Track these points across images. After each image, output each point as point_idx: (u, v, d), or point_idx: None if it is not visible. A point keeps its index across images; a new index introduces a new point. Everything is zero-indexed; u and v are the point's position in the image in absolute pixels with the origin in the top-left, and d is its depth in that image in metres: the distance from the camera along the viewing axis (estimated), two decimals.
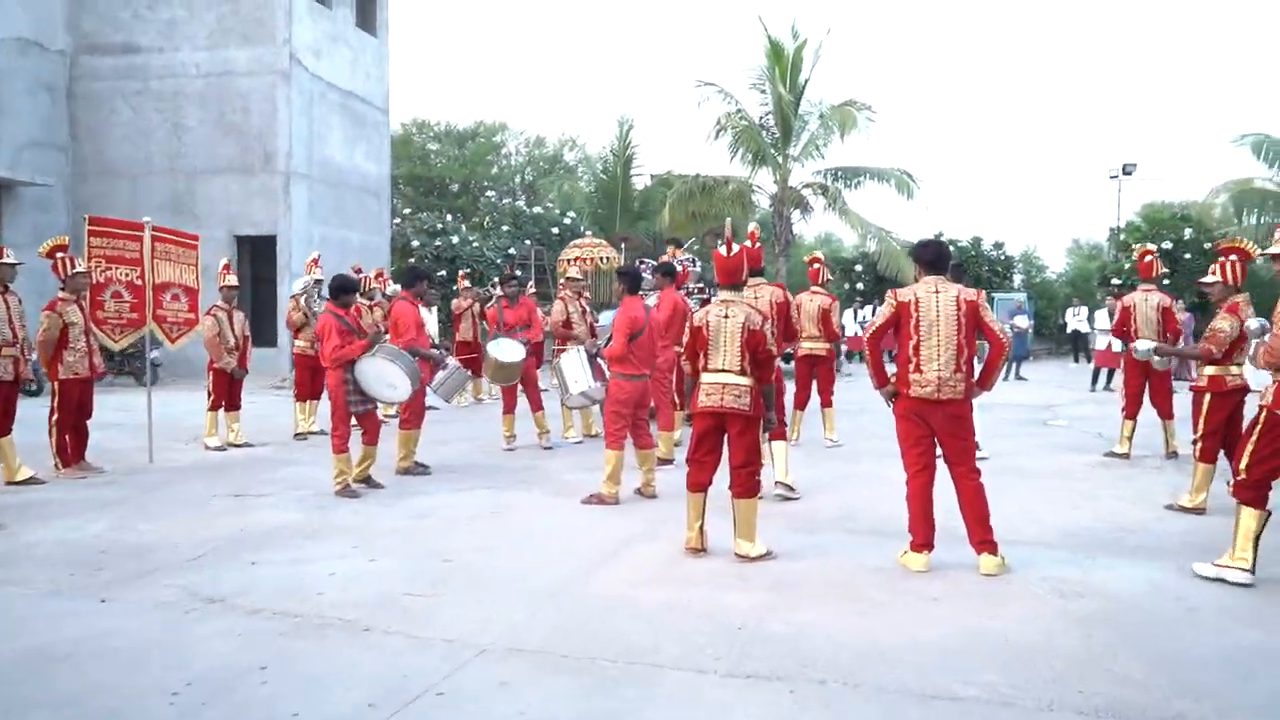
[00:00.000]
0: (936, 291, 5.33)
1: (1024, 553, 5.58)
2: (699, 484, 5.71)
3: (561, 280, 10.91)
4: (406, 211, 25.12)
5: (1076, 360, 23.87)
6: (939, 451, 5.44)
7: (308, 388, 10.80)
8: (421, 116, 34.25)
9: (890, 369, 5.57)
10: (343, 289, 7.66)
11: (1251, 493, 4.94)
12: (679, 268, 12.43)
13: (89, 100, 19.00)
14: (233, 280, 10.10)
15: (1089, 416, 12.69)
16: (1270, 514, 4.98)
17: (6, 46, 17.75)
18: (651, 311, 7.33)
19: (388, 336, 8.22)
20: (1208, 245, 25.16)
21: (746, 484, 5.56)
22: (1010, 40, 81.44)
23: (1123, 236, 26.31)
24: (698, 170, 27.04)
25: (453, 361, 8.95)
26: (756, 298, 7.05)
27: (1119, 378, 17.37)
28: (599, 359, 7.68)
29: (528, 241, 23.50)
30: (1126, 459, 9.04)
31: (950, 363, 5.25)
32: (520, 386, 10.00)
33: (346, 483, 7.47)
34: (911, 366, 5.30)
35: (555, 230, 24.43)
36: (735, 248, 5.84)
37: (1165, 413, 9.11)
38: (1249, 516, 4.94)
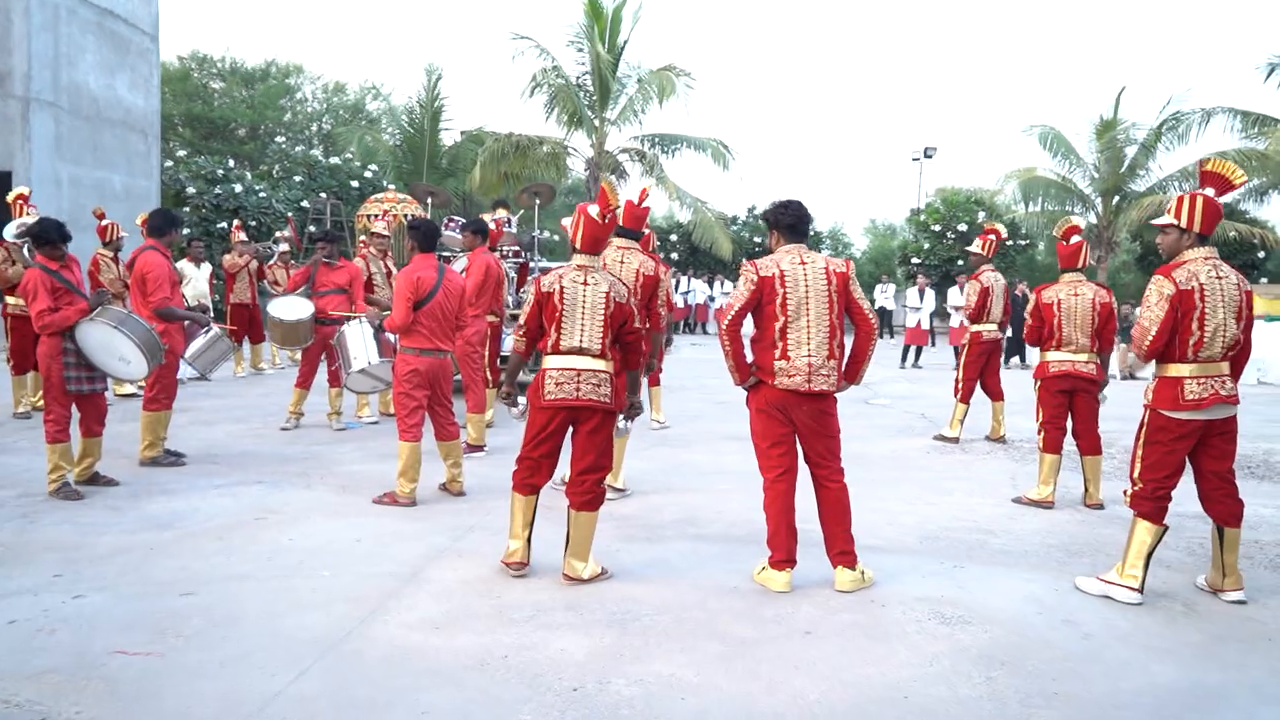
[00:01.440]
0: (802, 263, 4.47)
1: (888, 562, 4.87)
2: (533, 486, 4.63)
3: (363, 237, 9.42)
4: (182, 154, 22.20)
5: (882, 336, 24.42)
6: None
7: (30, 356, 8.78)
8: (202, 50, 30.69)
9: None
10: (44, 238, 5.93)
11: (1149, 504, 4.40)
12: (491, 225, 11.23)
13: None
14: None
15: (908, 395, 12.53)
16: (1167, 529, 4.47)
17: None
18: (450, 274, 6.11)
19: (114, 300, 6.56)
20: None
21: (592, 493, 4.53)
22: (825, 22, 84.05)
23: (922, 217, 27.14)
24: (511, 129, 25.64)
25: (215, 328, 7.35)
26: (622, 263, 5.95)
27: (929, 356, 17.70)
28: (384, 331, 6.38)
29: (323, 195, 21.33)
30: (957, 443, 8.72)
31: (822, 347, 4.40)
32: (324, 358, 8.53)
33: (65, 480, 5.85)
34: (777, 353, 4.42)
35: (355, 184, 22.35)
36: (609, 211, 4.69)
37: (996, 394, 8.86)
38: (1144, 530, 4.40)
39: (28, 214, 8.84)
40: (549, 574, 4.62)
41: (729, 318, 4.50)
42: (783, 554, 4.47)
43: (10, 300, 8.72)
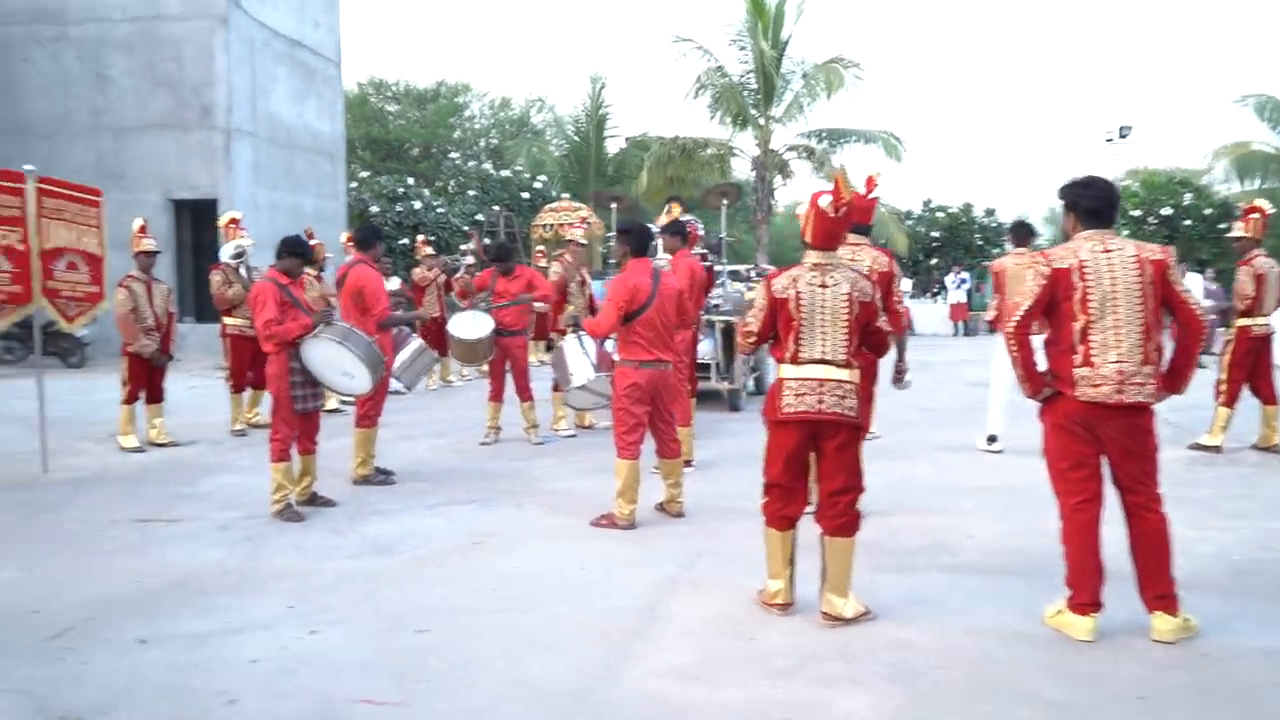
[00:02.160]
0: (1106, 251, 3.77)
1: (1203, 605, 4.07)
2: (788, 519, 4.14)
3: (540, 248, 9.23)
4: (364, 175, 23.11)
5: None
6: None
7: (245, 375, 9.04)
8: (378, 75, 32.08)
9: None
10: (293, 251, 5.95)
11: None
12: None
13: None
14: (150, 245, 8.29)
15: None
16: None
17: None
18: (666, 279, 5.69)
19: (337, 312, 6.51)
20: (1208, 211, 24.05)
21: (846, 516, 4.01)
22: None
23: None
24: (676, 133, 25.37)
25: (417, 340, 7.24)
26: (854, 260, 5.40)
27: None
28: (604, 343, 6.02)
29: (495, 207, 21.68)
30: (1219, 453, 7.63)
31: (1135, 350, 3.70)
32: (508, 370, 8.36)
33: (288, 502, 5.80)
34: (1077, 358, 3.74)
35: (525, 195, 22.60)
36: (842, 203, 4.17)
37: (1269, 397, 7.72)
38: None
39: (240, 237, 9.10)
40: (803, 611, 4.11)
41: (1017, 318, 3.86)
42: (1087, 596, 3.79)
43: (229, 320, 8.97)
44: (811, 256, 4.12)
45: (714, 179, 26.92)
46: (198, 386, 12.72)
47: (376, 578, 4.67)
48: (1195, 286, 14.97)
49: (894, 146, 25.75)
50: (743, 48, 25.56)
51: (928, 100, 71.94)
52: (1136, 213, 24.45)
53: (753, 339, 4.25)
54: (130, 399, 8.10)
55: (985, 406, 8.04)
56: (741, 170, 26.82)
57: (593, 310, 9.48)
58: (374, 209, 20.74)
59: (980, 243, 27.17)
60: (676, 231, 7.21)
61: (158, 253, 8.41)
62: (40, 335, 7.95)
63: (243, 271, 8.85)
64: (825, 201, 4.11)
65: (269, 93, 17.78)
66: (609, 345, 6.15)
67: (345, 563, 4.90)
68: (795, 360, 4.06)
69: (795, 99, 25.61)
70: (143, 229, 8.41)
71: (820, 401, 3.99)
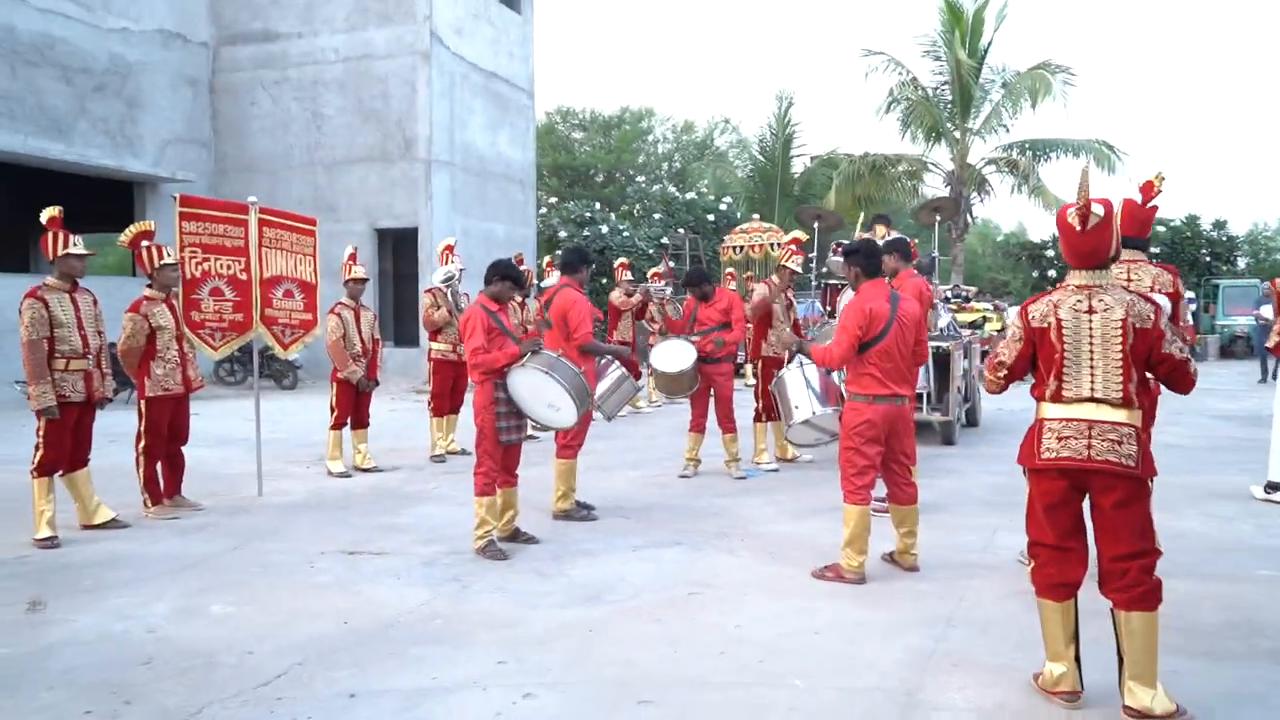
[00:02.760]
0: None
1: None
2: (1065, 586, 3.44)
3: (730, 269, 8.69)
4: (552, 201, 23.46)
5: None
6: None
7: (447, 400, 9.03)
8: (565, 104, 32.80)
9: None
10: (506, 275, 5.74)
11: None
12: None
13: (230, 93, 18.08)
14: (360, 272, 8.40)
15: None
16: None
17: (149, 39, 16.95)
18: (905, 303, 5.04)
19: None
20: None
21: (1141, 585, 3.28)
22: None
23: None
24: (866, 149, 24.42)
25: (618, 368, 6.88)
26: (1130, 282, 4.64)
27: None
28: (831, 374, 5.40)
29: (680, 230, 21.45)
30: None
31: None
32: (712, 401, 7.91)
33: (491, 539, 5.53)
34: None
35: (710, 217, 22.26)
36: (1094, 214, 3.46)
37: None
38: None
39: (453, 262, 9.14)
40: (1097, 702, 3.36)
41: None
42: None
43: (434, 345, 9.01)
44: (1075, 278, 3.47)
45: (904, 197, 25.78)
46: (397, 409, 13.03)
47: (590, 631, 4.26)
48: None
49: (1106, 156, 23.78)
50: (937, 58, 24.40)
51: (1144, 105, 66.18)
52: None
53: (1004, 374, 3.64)
54: (338, 424, 8.19)
55: (1251, 447, 6.90)
56: (934, 187, 25.48)
57: (797, 329, 8.92)
58: (562, 234, 20.95)
59: (1208, 258, 24.56)
60: (899, 249, 6.54)
61: (367, 280, 8.50)
62: (258, 360, 8.19)
63: (450, 296, 8.86)
64: (1071, 215, 3.39)
65: (466, 124, 18.27)
66: (836, 376, 5.55)
67: (554, 612, 4.53)
68: (1058, 399, 3.37)
69: (995, 109, 24.15)
70: (353, 256, 8.56)
71: (1089, 447, 3.29)
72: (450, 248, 9.30)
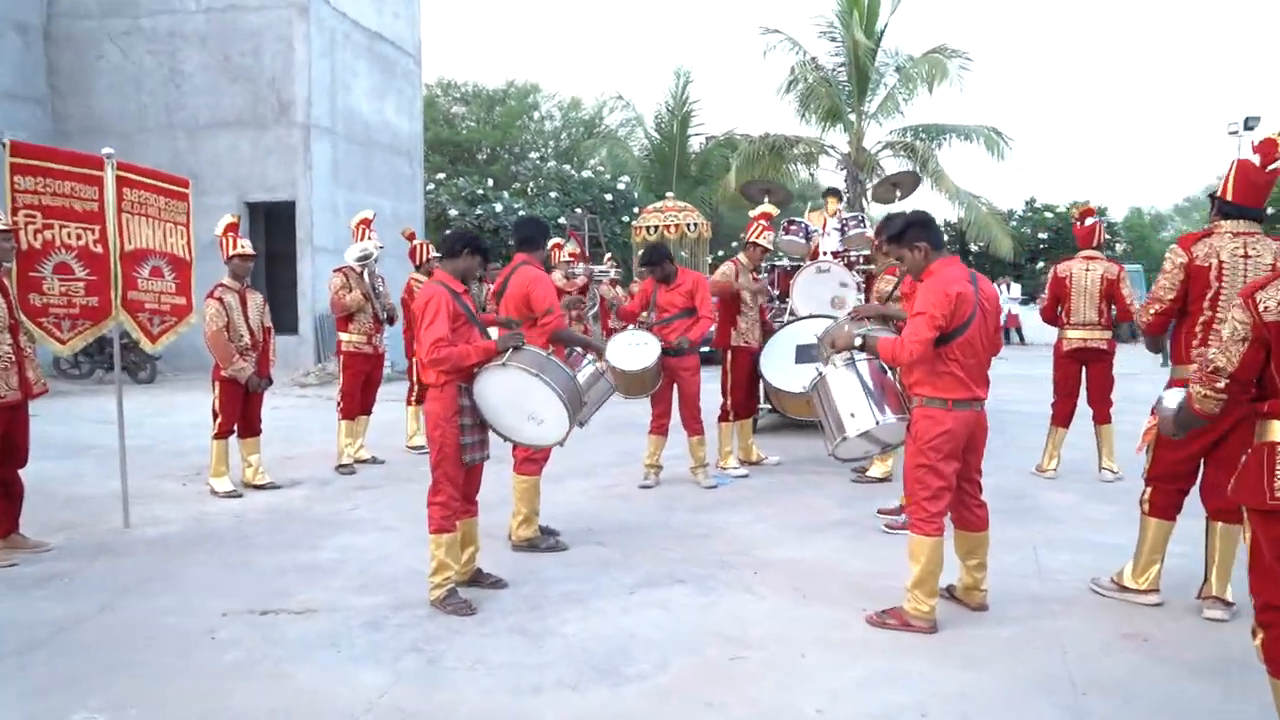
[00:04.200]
0: None
1: None
2: None
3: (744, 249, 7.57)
4: (440, 177, 21.79)
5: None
6: None
7: (358, 399, 7.61)
8: (446, 76, 30.85)
9: None
10: (473, 248, 4.47)
11: None
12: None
13: (70, 42, 15.69)
14: (246, 247, 6.89)
15: None
16: None
17: None
18: (984, 283, 4.08)
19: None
20: None
21: None
22: None
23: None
24: (765, 129, 23.70)
25: (591, 362, 5.59)
26: (1246, 258, 4.01)
27: None
28: (887, 371, 4.35)
29: (578, 209, 20.23)
30: None
31: None
32: (676, 398, 6.83)
33: (452, 588, 4.28)
34: None
35: (608, 197, 21.12)
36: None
37: None
38: None
39: (370, 238, 7.71)
40: None
41: None
42: None
43: (345, 335, 7.57)
44: (1228, 225, 3.89)
45: (800, 179, 25.30)
46: (281, 407, 11.37)
47: None
48: None
49: (995, 143, 23.88)
50: (834, 39, 23.93)
51: (1032, 93, 68.31)
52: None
53: (1161, 312, 4.06)
54: (223, 433, 6.69)
55: None
56: (829, 170, 25.10)
57: (764, 320, 7.92)
58: (452, 212, 19.42)
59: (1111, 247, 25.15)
60: (928, 226, 5.57)
61: (254, 256, 7.00)
62: (110, 351, 6.58)
63: (366, 278, 7.44)
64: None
65: (349, 88, 16.51)
66: (891, 373, 4.53)
67: (566, 697, 3.36)
68: None
69: (890, 94, 23.90)
70: (233, 227, 7.00)
71: None
72: (367, 222, 7.85)
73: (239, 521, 5.94)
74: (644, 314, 6.91)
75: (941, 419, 3.88)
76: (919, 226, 4.03)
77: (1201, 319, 3.98)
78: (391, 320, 7.81)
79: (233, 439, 6.76)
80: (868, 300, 7.67)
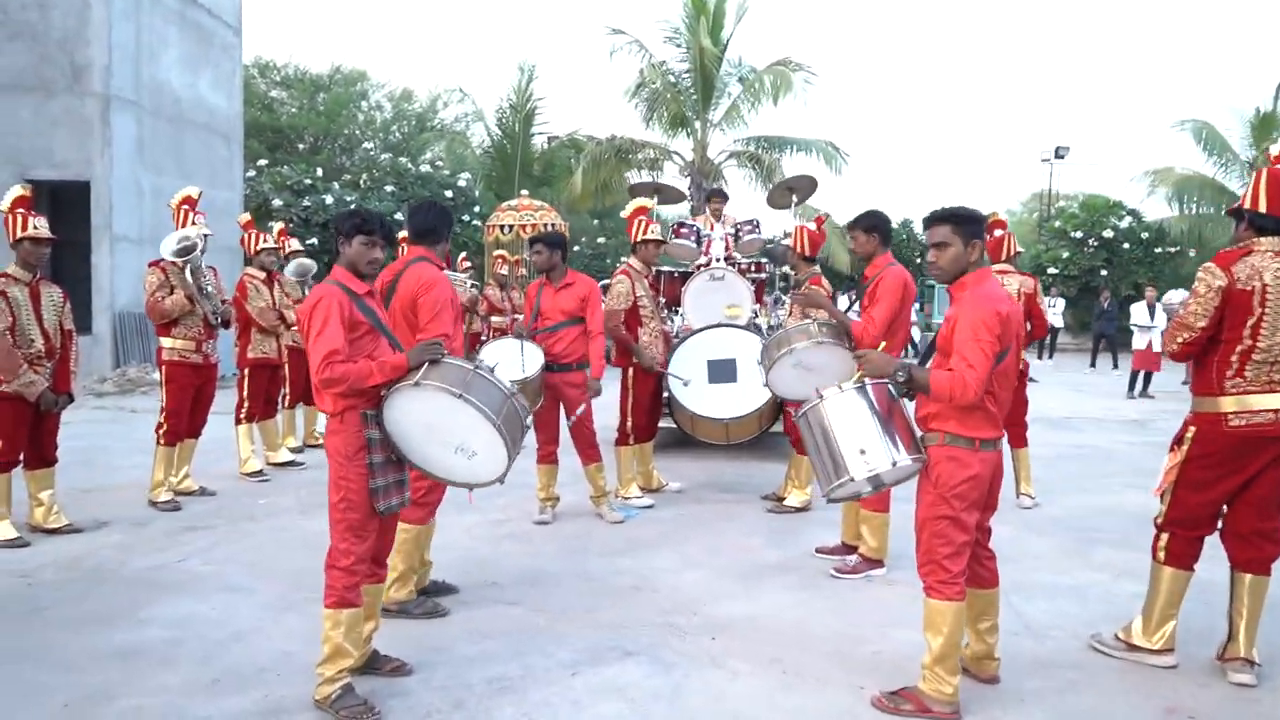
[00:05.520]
0: None
1: None
2: None
3: (630, 252, 6.70)
4: (262, 164, 19.75)
5: (1050, 356, 21.30)
6: None
7: (186, 419, 6.23)
8: (263, 56, 28.29)
9: None
10: (360, 228, 3.39)
11: None
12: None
13: None
14: (42, 228, 5.45)
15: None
16: None
17: None
18: (1013, 301, 3.45)
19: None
20: (1144, 235, 23.68)
21: None
22: (939, 13, 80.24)
23: (1058, 223, 24.39)
24: (611, 132, 23.05)
25: (504, 381, 4.49)
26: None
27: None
28: (895, 397, 3.56)
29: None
30: None
31: None
32: (564, 419, 5.93)
33: (350, 684, 3.23)
34: None
35: (448, 194, 19.83)
36: None
37: None
38: None
39: (196, 223, 6.32)
40: None
41: None
42: None
43: (166, 342, 6.13)
44: (1268, 242, 3.47)
45: (646, 189, 24.87)
46: (73, 423, 9.52)
47: None
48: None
49: (833, 156, 24.32)
50: (679, 45, 23.65)
51: (866, 112, 71.43)
52: (1077, 234, 23.85)
53: (1191, 341, 3.56)
54: (5, 464, 5.22)
55: None
56: (673, 177, 24.78)
57: (666, 337, 7.14)
58: (276, 202, 17.58)
59: (920, 261, 26.03)
60: (879, 226, 4.98)
61: (51, 241, 5.55)
62: None
63: (190, 275, 6.05)
64: None
65: (158, 57, 14.49)
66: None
67: None
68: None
69: (734, 103, 23.87)
70: (23, 202, 5.52)
71: None
72: (191, 202, 6.43)
73: (26, 583, 4.56)
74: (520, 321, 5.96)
75: (968, 462, 3.22)
76: (965, 221, 3.30)
77: (1239, 347, 3.51)
78: (226, 323, 6.47)
79: (17, 470, 5.30)
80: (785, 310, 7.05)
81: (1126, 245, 23.49)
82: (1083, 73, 74.29)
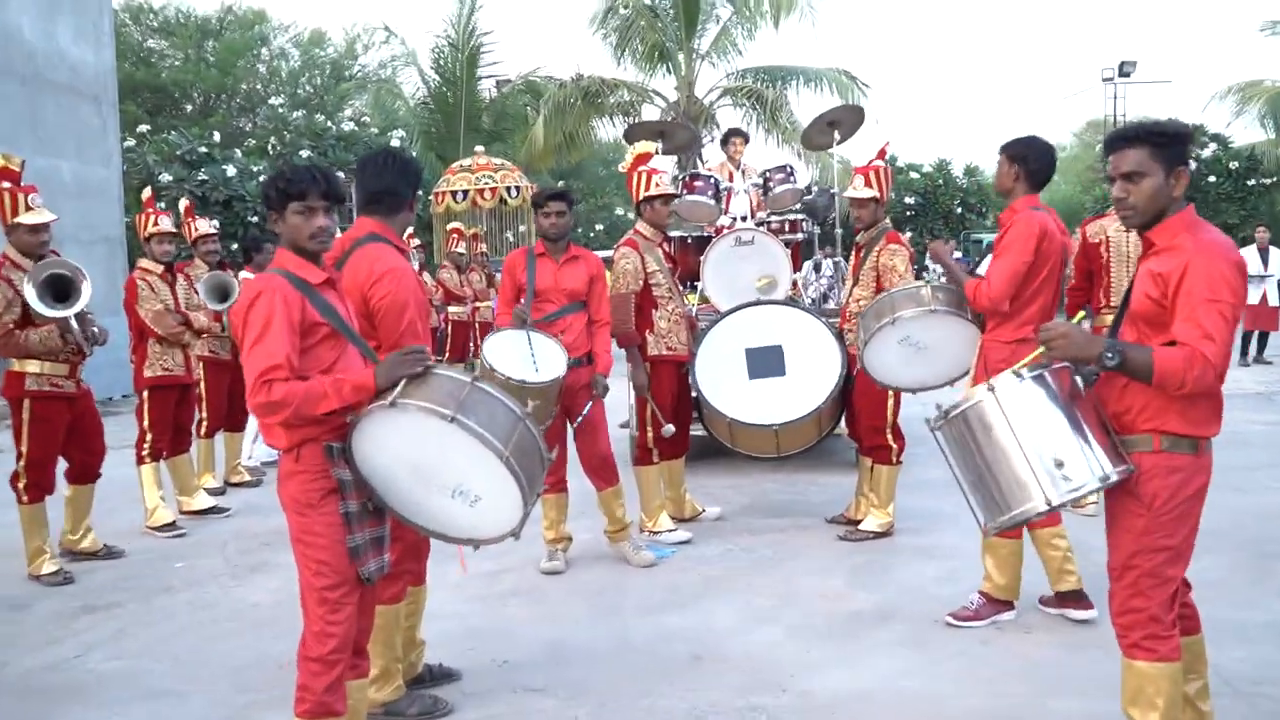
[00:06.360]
0: None
1: None
2: None
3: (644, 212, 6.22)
4: (143, 130, 19.13)
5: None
6: None
7: (51, 470, 5.68)
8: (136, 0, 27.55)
9: None
10: (293, 191, 2.94)
11: None
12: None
13: None
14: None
15: None
16: None
17: None
18: None
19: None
20: (1233, 166, 23.52)
21: None
22: None
23: None
24: (577, 71, 22.54)
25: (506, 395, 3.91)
26: None
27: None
28: (1078, 389, 3.06)
29: (341, 172, 18.27)
30: None
31: None
32: (572, 437, 5.51)
33: None
34: None
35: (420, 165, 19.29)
36: None
37: None
38: None
39: (31, 207, 5.76)
40: None
41: None
42: None
43: (28, 366, 5.52)
44: None
45: (615, 133, 24.40)
46: None
47: None
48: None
49: (848, 87, 23.98)
50: None
51: (885, 38, 70.60)
52: None
53: None
54: None
55: None
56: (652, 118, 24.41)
57: (693, 328, 6.66)
58: (165, 176, 16.97)
59: (960, 210, 25.81)
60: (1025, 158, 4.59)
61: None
62: None
63: (73, 322, 5.44)
64: None
65: (4, 3, 13.87)
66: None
67: None
68: None
69: (725, 29, 23.47)
70: None
71: None
72: (11, 175, 5.70)
73: None
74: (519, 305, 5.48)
75: (1194, 471, 2.85)
76: (1180, 142, 2.91)
77: None
78: (98, 340, 5.81)
79: None
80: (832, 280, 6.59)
81: (1212, 178, 23.33)
82: None
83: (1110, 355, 2.76)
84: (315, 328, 2.87)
